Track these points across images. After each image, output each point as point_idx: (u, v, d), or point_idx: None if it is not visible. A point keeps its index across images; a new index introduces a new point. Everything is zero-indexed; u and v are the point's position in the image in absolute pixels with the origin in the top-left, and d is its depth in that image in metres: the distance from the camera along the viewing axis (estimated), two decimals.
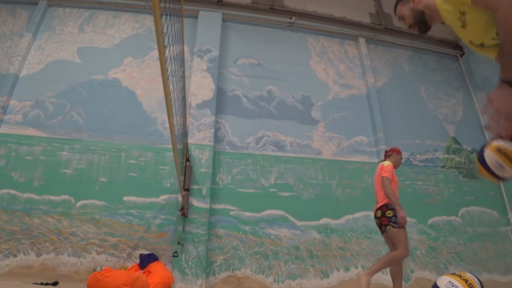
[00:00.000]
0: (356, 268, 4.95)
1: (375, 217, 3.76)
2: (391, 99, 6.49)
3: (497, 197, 6.02)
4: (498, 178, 1.39)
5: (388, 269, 4.99)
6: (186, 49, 5.63)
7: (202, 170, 5.00)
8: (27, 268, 4.20)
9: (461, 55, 7.36)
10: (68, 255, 4.33)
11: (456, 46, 7.44)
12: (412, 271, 5.07)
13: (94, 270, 3.90)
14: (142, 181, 4.92)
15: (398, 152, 4.05)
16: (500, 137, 1.39)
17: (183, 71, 3.54)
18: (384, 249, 5.13)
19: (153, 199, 4.82)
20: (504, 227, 5.77)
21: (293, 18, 6.65)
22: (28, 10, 5.93)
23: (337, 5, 7.22)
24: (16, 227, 4.38)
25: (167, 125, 4.42)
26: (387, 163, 3.86)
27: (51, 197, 4.61)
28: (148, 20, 6.21)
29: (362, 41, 6.86)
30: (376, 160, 5.80)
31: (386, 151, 4.15)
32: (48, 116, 5.16)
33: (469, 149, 6.40)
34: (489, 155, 1.37)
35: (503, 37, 1.30)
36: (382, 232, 3.68)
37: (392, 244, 3.57)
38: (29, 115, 5.13)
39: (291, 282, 4.70)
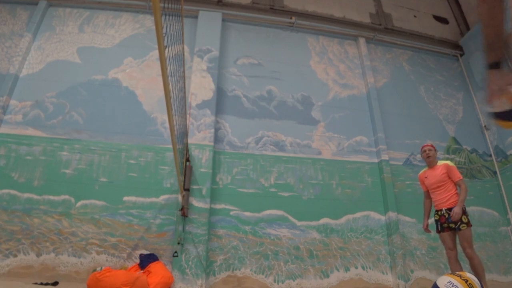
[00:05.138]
0: (356, 268, 4.95)
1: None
2: (391, 99, 6.49)
3: (497, 197, 6.01)
4: None
5: (388, 269, 5.02)
6: (186, 49, 5.62)
7: (202, 170, 5.00)
8: (27, 268, 4.20)
9: (461, 55, 7.35)
10: (68, 255, 4.33)
11: (456, 46, 7.44)
12: (412, 271, 5.07)
13: (94, 270, 3.89)
14: (142, 181, 4.92)
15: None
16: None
17: (183, 71, 3.54)
18: (384, 249, 5.13)
19: (153, 199, 4.82)
20: (504, 227, 5.76)
21: (293, 18, 6.65)
22: (28, 10, 5.93)
23: (337, 5, 7.22)
24: (16, 227, 4.38)
25: (167, 125, 4.42)
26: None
27: (51, 197, 4.60)
28: (148, 20, 6.22)
29: (362, 41, 6.86)
30: (376, 160, 5.80)
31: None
32: (48, 116, 5.16)
33: (469, 149, 6.40)
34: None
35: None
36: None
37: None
38: (29, 115, 5.13)
39: (291, 282, 4.70)
